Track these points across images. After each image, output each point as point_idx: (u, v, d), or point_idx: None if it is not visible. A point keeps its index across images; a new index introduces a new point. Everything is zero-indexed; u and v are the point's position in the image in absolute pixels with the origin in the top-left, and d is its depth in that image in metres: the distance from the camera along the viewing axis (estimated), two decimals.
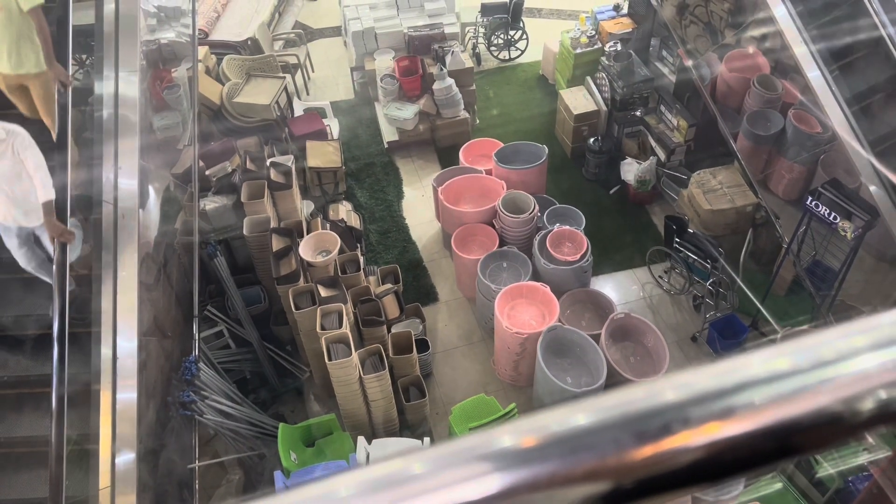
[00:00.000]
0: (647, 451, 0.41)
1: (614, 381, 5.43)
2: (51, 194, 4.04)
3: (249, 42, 8.60)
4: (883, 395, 0.42)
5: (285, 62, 8.92)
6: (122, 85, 4.62)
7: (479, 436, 0.44)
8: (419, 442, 5.19)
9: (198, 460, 4.94)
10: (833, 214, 5.03)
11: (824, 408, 0.42)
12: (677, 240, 6.46)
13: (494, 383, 6.32)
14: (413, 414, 5.82)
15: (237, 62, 8.02)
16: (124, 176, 4.47)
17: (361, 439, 5.10)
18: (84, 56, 5.59)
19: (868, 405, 0.42)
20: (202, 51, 7.73)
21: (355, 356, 5.16)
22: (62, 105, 4.49)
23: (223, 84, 7.64)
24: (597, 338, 5.65)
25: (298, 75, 9.29)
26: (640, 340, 5.93)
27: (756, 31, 6.21)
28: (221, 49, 8.32)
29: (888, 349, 0.43)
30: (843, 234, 5.03)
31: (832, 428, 0.42)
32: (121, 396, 4.18)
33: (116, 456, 4.07)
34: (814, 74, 5.35)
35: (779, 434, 0.41)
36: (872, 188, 5.09)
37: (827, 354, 0.43)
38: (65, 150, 4.30)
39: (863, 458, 4.57)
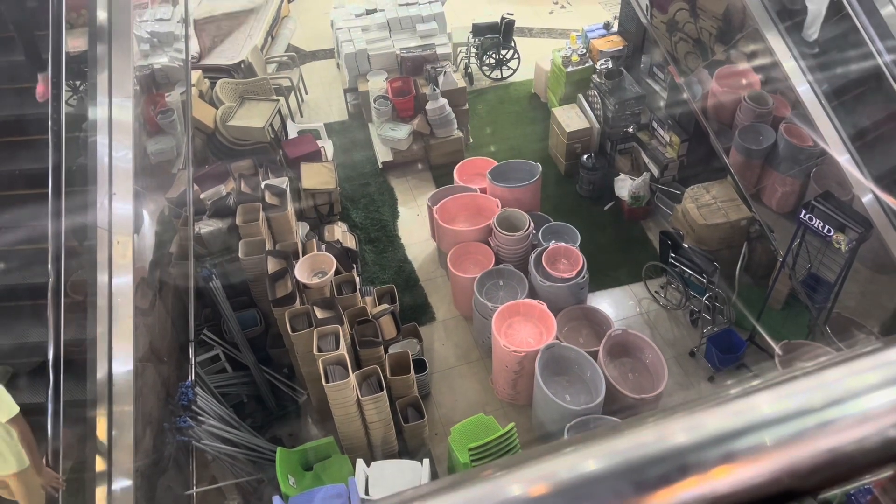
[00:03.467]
0: (661, 496, 0.40)
1: (613, 398, 5.41)
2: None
3: (243, 65, 8.64)
4: (893, 433, 0.41)
5: (279, 85, 8.96)
6: (116, 110, 4.63)
7: (486, 483, 0.43)
8: (419, 464, 5.15)
9: (195, 486, 4.90)
10: (827, 227, 5.05)
11: (836, 448, 0.41)
12: (673, 255, 6.47)
13: (493, 402, 6.29)
14: (412, 435, 5.78)
15: (230, 85, 8.05)
16: (118, 201, 4.46)
17: (360, 462, 5.06)
18: (77, 82, 5.60)
19: (880, 443, 0.41)
20: (195, 75, 7.76)
21: (352, 378, 5.13)
22: (55, 131, 4.50)
23: (217, 108, 7.66)
24: (595, 355, 5.64)
25: (292, 97, 9.32)
26: (638, 356, 5.92)
27: (745, 47, 6.25)
28: (215, 73, 8.35)
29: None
30: (837, 246, 5.04)
31: (846, 467, 0.42)
32: (117, 423, 4.14)
33: (113, 484, 4.02)
34: (803, 88, 5.39)
35: (792, 475, 0.41)
36: (865, 200, 5.11)
37: (837, 393, 0.43)
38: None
39: None
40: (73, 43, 4.87)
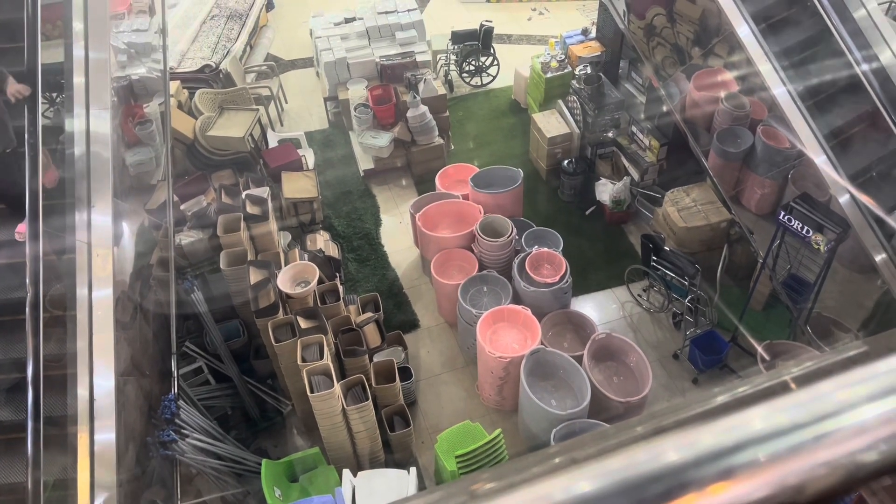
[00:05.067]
0: None
1: (599, 402, 5.43)
2: None
3: (221, 75, 8.60)
4: (885, 446, 0.41)
5: (258, 94, 8.92)
6: (94, 122, 4.58)
7: None
8: (406, 473, 5.13)
9: (180, 501, 4.83)
10: (805, 228, 5.11)
11: (829, 462, 0.41)
12: (654, 258, 6.52)
13: (479, 409, 6.29)
14: (398, 444, 5.75)
15: (209, 95, 8.00)
16: (97, 213, 4.41)
17: (347, 472, 5.03)
18: (54, 94, 5.54)
19: (872, 457, 0.41)
20: (174, 85, 7.70)
21: (337, 388, 5.10)
22: (32, 144, 4.45)
23: (196, 118, 7.61)
24: (579, 359, 5.66)
25: (272, 107, 9.28)
26: (622, 360, 5.95)
27: (722, 51, 6.33)
28: (193, 83, 8.30)
29: (888, 399, 0.43)
30: (816, 247, 5.10)
31: (839, 481, 0.42)
32: (99, 438, 4.08)
33: (95, 500, 3.96)
34: (779, 91, 5.46)
35: (786, 491, 0.41)
36: (842, 200, 5.18)
37: (828, 407, 0.43)
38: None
39: None
40: (50, 54, 4.81)
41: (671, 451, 0.42)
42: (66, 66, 4.66)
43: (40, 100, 4.75)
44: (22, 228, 4.51)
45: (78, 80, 4.60)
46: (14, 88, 4.51)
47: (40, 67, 4.71)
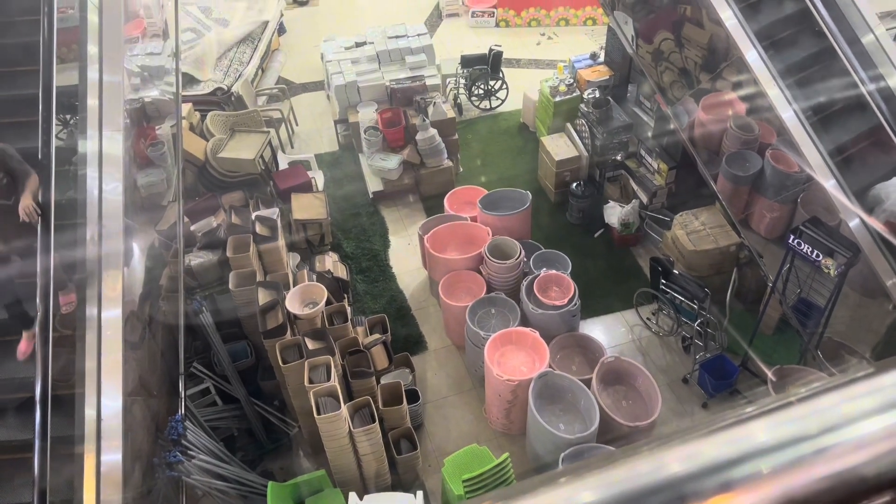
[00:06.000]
0: None
1: (607, 426, 5.38)
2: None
3: (233, 98, 8.69)
4: (887, 460, 0.41)
5: (269, 117, 9.01)
6: (106, 143, 4.63)
7: None
8: (412, 497, 5.09)
9: None
10: (815, 252, 5.09)
11: (833, 474, 0.41)
12: (663, 281, 6.49)
13: (487, 432, 6.24)
14: (405, 467, 5.71)
15: (221, 118, 8.09)
16: (108, 234, 4.45)
17: (353, 496, 4.99)
18: (68, 116, 5.62)
19: (877, 469, 0.41)
20: (186, 108, 7.79)
21: (344, 410, 5.08)
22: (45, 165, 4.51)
23: (207, 140, 7.68)
24: (588, 382, 5.62)
25: (283, 129, 9.37)
26: (631, 384, 5.90)
27: (730, 75, 6.35)
28: (205, 105, 8.39)
29: (891, 413, 0.43)
30: (826, 271, 5.07)
31: (843, 494, 0.41)
32: (105, 459, 4.07)
33: None
34: (788, 115, 5.47)
35: (789, 503, 0.41)
36: (852, 225, 5.16)
37: (832, 419, 0.43)
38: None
39: None
40: (64, 77, 4.88)
41: (673, 462, 0.42)
42: (81, 88, 4.72)
43: (54, 121, 4.81)
44: (24, 346, 4.49)
45: (92, 102, 4.66)
46: (26, 205, 4.25)
47: (55, 90, 4.78)
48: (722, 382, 6.19)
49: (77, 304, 4.40)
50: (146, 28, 8.85)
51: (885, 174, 5.44)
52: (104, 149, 4.60)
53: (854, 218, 5.14)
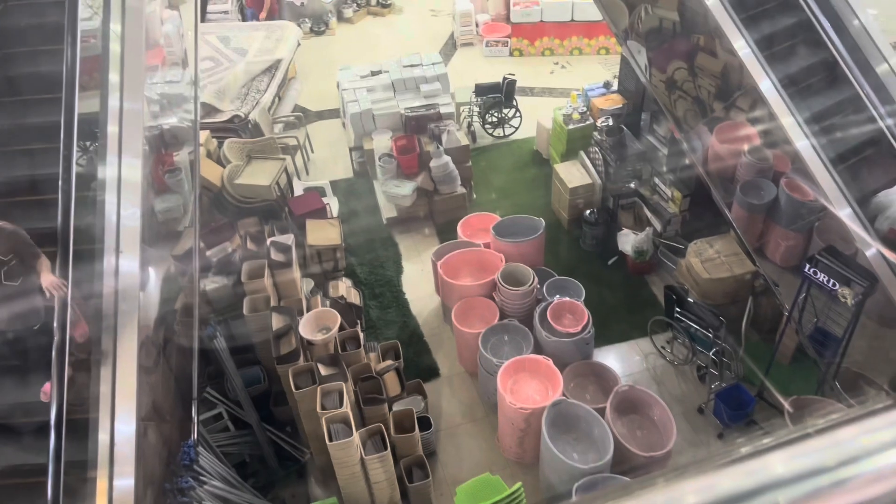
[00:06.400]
0: None
1: (622, 456, 5.32)
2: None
3: (250, 125, 8.80)
4: None
5: (285, 144, 9.11)
6: (125, 170, 4.70)
7: None
8: None
9: None
10: (832, 281, 5.04)
11: None
12: (678, 309, 6.45)
13: (499, 461, 6.18)
14: (417, 495, 5.66)
15: (238, 145, 8.19)
16: (125, 258, 4.49)
17: None
18: (87, 142, 5.71)
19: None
20: (204, 135, 7.90)
21: (356, 436, 5.06)
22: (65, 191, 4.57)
23: (224, 166, 7.77)
24: (602, 411, 5.57)
25: (298, 156, 9.47)
26: (645, 413, 5.84)
27: (744, 104, 6.37)
28: (223, 132, 8.50)
29: None
30: (843, 300, 5.03)
31: None
32: (118, 484, 4.07)
33: None
34: (802, 144, 5.46)
35: None
36: (869, 254, 5.11)
37: (851, 452, 0.43)
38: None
39: None
40: (85, 104, 4.97)
41: (689, 494, 0.42)
42: (101, 116, 4.81)
43: (75, 148, 4.88)
44: (49, 388, 4.48)
45: (112, 129, 4.74)
46: (51, 282, 4.23)
47: (76, 117, 4.86)
48: (738, 413, 6.11)
49: (90, 329, 4.42)
50: (166, 57, 9.01)
51: None
52: (123, 175, 4.67)
53: (871, 247, 5.10)
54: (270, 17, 12.61)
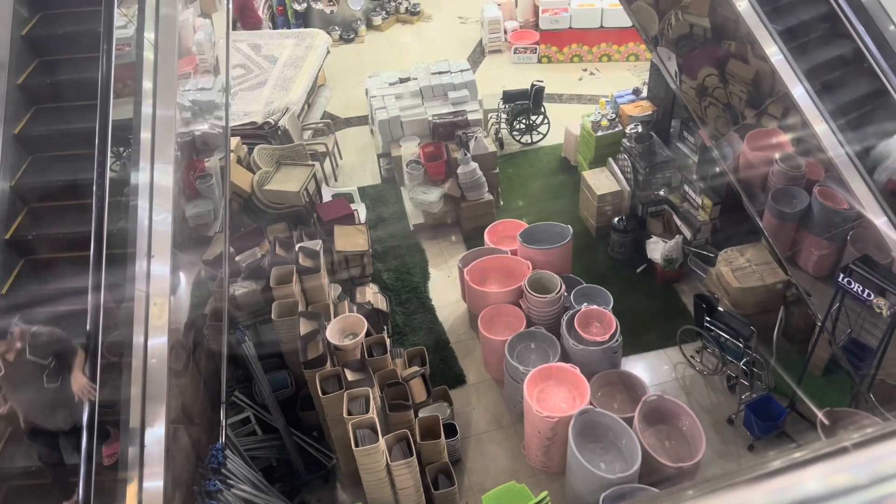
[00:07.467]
0: None
1: (650, 467, 5.26)
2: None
3: (280, 132, 8.90)
4: None
5: (314, 150, 9.19)
6: (157, 175, 4.77)
7: None
8: None
9: None
10: (867, 291, 4.94)
11: None
12: (708, 318, 6.36)
13: (525, 469, 6.14)
14: (442, 503, 5.65)
15: (267, 151, 8.28)
16: (157, 263, 4.56)
17: None
18: (121, 148, 5.81)
19: None
20: (234, 141, 8.00)
21: (382, 442, 5.07)
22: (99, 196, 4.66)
23: (254, 172, 7.86)
24: (629, 421, 5.51)
25: (327, 162, 9.54)
26: (674, 423, 5.76)
27: (776, 111, 6.28)
28: (253, 139, 8.61)
29: None
30: (878, 310, 4.92)
31: None
32: (147, 486, 4.12)
33: None
34: (836, 152, 5.37)
35: None
36: None
37: (886, 469, 0.42)
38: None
39: None
40: (119, 111, 5.06)
41: None
42: (135, 122, 4.90)
43: (109, 154, 4.97)
44: (108, 451, 4.47)
45: (145, 135, 4.82)
46: (81, 385, 4.23)
47: (111, 123, 4.95)
48: (769, 424, 6.00)
49: (122, 330, 4.48)
50: (198, 64, 9.15)
51: None
52: (155, 180, 4.74)
53: None
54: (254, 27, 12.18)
